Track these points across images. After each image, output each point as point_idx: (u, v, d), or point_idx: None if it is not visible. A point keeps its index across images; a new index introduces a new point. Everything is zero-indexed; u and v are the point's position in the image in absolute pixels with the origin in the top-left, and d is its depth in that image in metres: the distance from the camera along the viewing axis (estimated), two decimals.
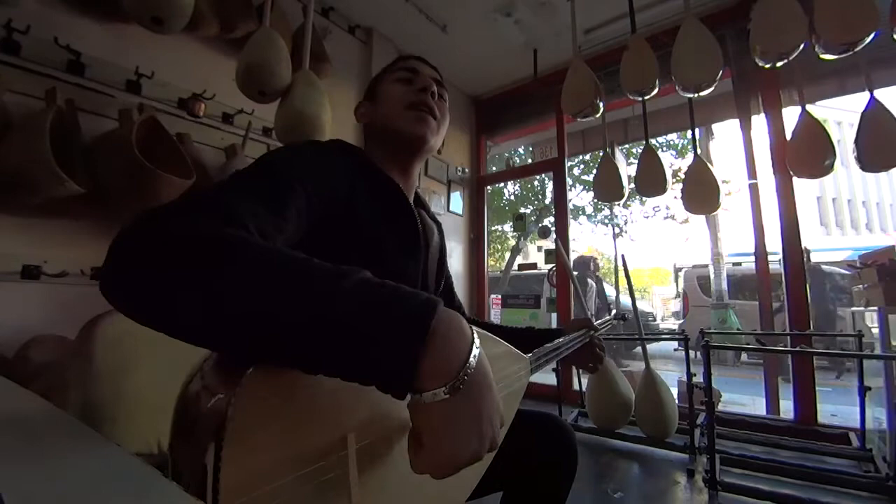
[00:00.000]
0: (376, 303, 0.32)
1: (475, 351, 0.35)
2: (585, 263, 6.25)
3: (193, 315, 0.32)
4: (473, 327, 0.37)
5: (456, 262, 3.39)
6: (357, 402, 0.40)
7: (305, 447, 0.35)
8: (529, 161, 6.27)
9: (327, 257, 0.56)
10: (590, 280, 6.12)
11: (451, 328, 0.34)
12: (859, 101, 1.81)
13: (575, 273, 6.03)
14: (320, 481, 0.35)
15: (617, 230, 10.47)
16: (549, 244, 3.77)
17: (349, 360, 0.32)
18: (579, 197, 10.18)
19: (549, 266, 3.72)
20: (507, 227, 10.86)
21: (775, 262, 2.49)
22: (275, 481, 0.32)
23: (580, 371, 2.58)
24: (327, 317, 0.31)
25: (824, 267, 5.52)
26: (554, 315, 3.44)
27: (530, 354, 0.71)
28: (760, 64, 1.80)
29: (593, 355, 0.96)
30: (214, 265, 0.33)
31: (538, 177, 9.36)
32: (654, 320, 7.88)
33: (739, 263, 7.07)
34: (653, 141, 2.75)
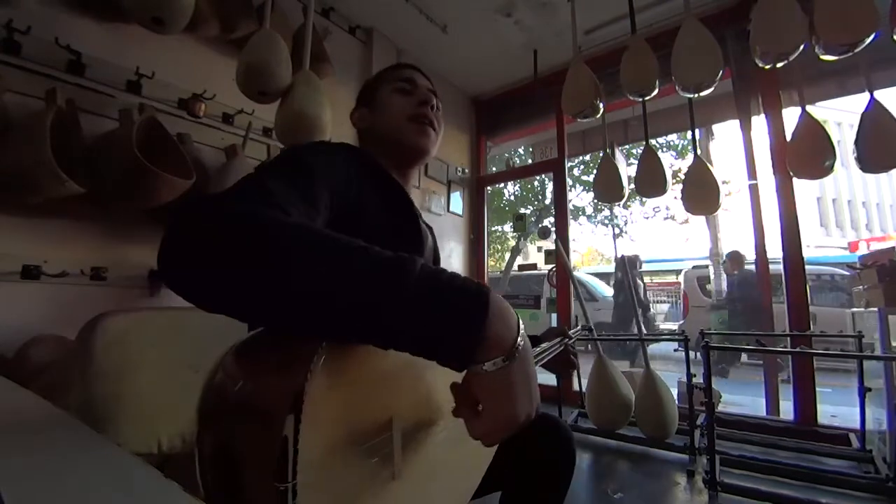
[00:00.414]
0: (442, 287, 0.35)
1: (521, 327, 0.39)
2: (632, 262, 6.01)
3: (267, 299, 0.34)
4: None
5: (456, 262, 3.39)
6: (402, 386, 0.45)
7: (364, 424, 0.38)
8: (529, 161, 6.27)
9: None
10: (639, 280, 6.00)
11: (503, 308, 0.38)
12: (859, 101, 1.81)
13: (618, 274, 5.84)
14: (377, 457, 0.38)
15: (617, 231, 10.48)
16: (549, 245, 3.77)
17: (424, 337, 0.35)
18: (579, 197, 10.17)
19: (549, 266, 3.71)
20: (507, 227, 10.86)
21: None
22: (343, 454, 0.35)
23: (578, 372, 2.58)
24: (402, 299, 0.34)
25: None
26: (554, 315, 3.44)
27: None
28: (760, 64, 1.80)
29: (567, 362, 0.97)
30: (288, 251, 0.34)
31: (538, 177, 9.36)
32: (654, 321, 7.88)
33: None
34: (653, 141, 2.75)
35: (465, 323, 0.35)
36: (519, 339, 0.38)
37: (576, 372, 2.66)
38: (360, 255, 0.36)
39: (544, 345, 0.85)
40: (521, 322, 0.40)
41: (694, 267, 7.43)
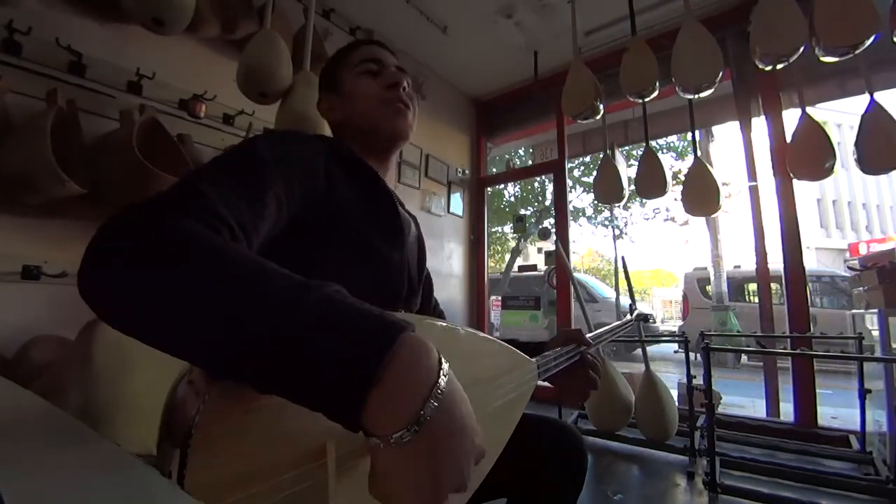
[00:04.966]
0: (332, 325, 0.30)
1: (442, 383, 0.31)
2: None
3: (149, 318, 0.32)
4: (443, 357, 0.33)
5: (456, 263, 3.39)
6: None
7: (281, 456, 0.34)
8: (530, 162, 6.28)
9: (312, 248, 0.55)
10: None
11: (412, 358, 0.31)
12: (859, 103, 1.81)
13: None
14: (296, 490, 0.34)
15: (617, 232, 10.49)
16: (550, 246, 3.77)
17: (297, 386, 0.29)
18: (579, 199, 10.20)
19: (550, 268, 3.71)
20: (508, 228, 10.88)
21: None
22: (245, 490, 0.31)
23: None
24: (277, 335, 0.29)
25: None
26: (554, 317, 3.44)
27: (537, 358, 0.68)
28: (760, 66, 1.80)
29: (585, 379, 0.77)
30: (171, 267, 0.31)
31: (538, 178, 9.37)
32: (654, 322, 7.89)
33: (739, 266, 7.12)
34: (653, 143, 2.76)
35: (342, 376, 0.28)
36: (428, 405, 0.30)
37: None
38: (252, 277, 0.32)
39: (549, 353, 0.71)
40: (442, 376, 0.31)
41: (695, 268, 7.44)
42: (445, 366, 0.33)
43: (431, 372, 0.31)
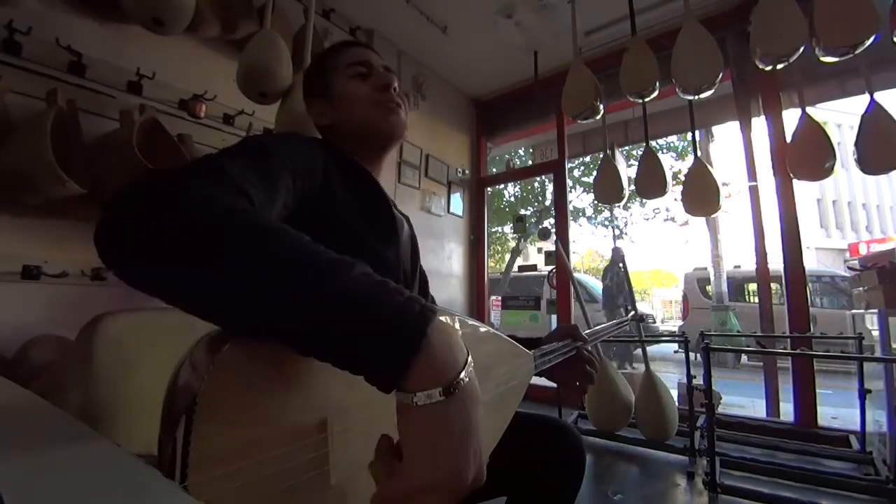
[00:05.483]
0: (380, 291, 0.32)
1: (469, 368, 0.33)
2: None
3: (193, 285, 0.32)
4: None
5: (456, 263, 3.39)
6: (341, 385, 0.39)
7: (283, 427, 0.35)
8: (530, 162, 6.28)
9: None
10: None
11: (449, 333, 0.33)
12: (860, 103, 1.81)
13: None
14: (298, 462, 0.35)
15: (617, 232, 10.49)
16: (550, 246, 3.77)
17: (342, 348, 0.31)
18: (579, 199, 10.21)
19: (550, 268, 3.71)
20: (508, 228, 10.88)
21: None
22: (248, 458, 0.32)
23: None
24: (327, 301, 0.31)
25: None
26: (554, 317, 3.44)
27: (534, 351, 0.69)
28: (760, 66, 1.80)
29: (581, 373, 0.79)
30: (218, 235, 0.32)
31: (538, 178, 9.37)
32: (654, 322, 7.87)
33: (739, 266, 7.13)
34: (653, 143, 2.76)
35: (396, 330, 0.31)
36: (464, 374, 0.32)
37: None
38: (297, 247, 0.33)
39: (546, 347, 0.73)
40: (470, 358, 0.34)
41: (695, 269, 7.45)
42: (469, 358, 0.34)
43: (462, 345, 0.34)
